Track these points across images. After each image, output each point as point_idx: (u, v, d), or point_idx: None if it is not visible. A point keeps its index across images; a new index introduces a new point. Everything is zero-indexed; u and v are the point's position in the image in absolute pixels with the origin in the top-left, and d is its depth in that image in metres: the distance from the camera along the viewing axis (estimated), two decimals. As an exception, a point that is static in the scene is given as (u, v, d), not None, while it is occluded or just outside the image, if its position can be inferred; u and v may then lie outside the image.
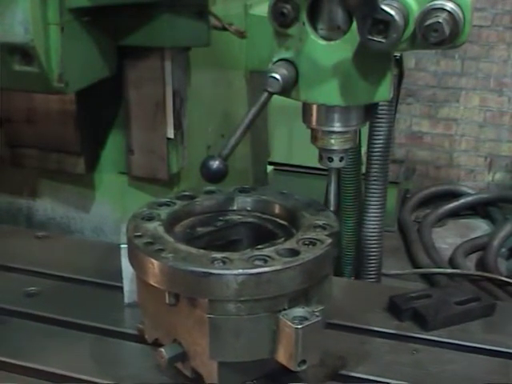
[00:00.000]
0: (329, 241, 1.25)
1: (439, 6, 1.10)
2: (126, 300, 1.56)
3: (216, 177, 1.22)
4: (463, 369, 1.37)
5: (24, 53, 1.53)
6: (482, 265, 3.97)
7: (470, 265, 3.99)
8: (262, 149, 2.53)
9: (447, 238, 4.39)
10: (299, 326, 1.15)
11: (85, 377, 1.32)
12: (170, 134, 1.89)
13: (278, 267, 1.17)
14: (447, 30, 1.08)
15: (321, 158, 1.34)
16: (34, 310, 1.55)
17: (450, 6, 1.09)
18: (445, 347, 1.44)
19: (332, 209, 1.39)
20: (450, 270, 3.80)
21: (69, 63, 1.59)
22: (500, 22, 4.89)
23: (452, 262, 4.00)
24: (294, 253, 1.21)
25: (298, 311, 1.19)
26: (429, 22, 1.09)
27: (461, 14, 1.10)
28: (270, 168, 2.86)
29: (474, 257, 4.14)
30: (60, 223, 2.13)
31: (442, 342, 1.46)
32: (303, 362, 1.18)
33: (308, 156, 1.64)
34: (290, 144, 3.94)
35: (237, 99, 2.19)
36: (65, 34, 1.56)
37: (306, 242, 1.25)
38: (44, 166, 2.04)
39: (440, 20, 1.08)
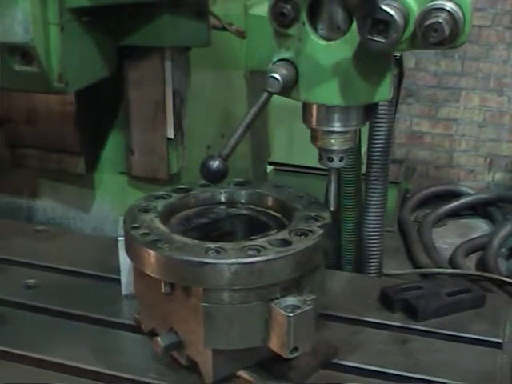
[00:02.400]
0: (320, 232, 1.28)
1: (439, 6, 1.10)
2: (124, 291, 1.59)
3: (216, 177, 1.22)
4: (453, 358, 1.40)
5: (24, 53, 1.53)
6: (482, 265, 3.96)
7: (470, 265, 3.99)
8: (262, 149, 2.53)
9: (447, 238, 4.39)
10: (291, 314, 1.18)
11: (83, 365, 1.35)
12: (170, 134, 1.89)
13: (271, 257, 1.20)
14: (447, 30, 1.08)
15: (321, 158, 1.34)
16: (33, 301, 1.58)
17: (450, 5, 1.09)
18: (435, 337, 1.47)
19: (332, 209, 1.39)
20: (450, 270, 3.79)
21: (69, 63, 1.59)
22: (500, 21, 4.88)
23: (452, 262, 3.99)
24: (286, 243, 1.24)
25: (290, 300, 1.22)
26: (429, 22, 1.09)
27: (461, 14, 1.10)
28: (270, 168, 2.86)
29: (474, 257, 4.13)
30: (60, 223, 2.12)
31: (432, 332, 1.49)
32: (295, 349, 1.20)
33: (308, 156, 1.64)
34: (290, 144, 3.94)
35: (237, 99, 2.19)
36: (65, 34, 1.56)
37: (298, 233, 1.28)
38: (44, 165, 2.05)
39: (440, 20, 1.08)
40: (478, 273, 3.80)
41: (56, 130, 1.97)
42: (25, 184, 2.15)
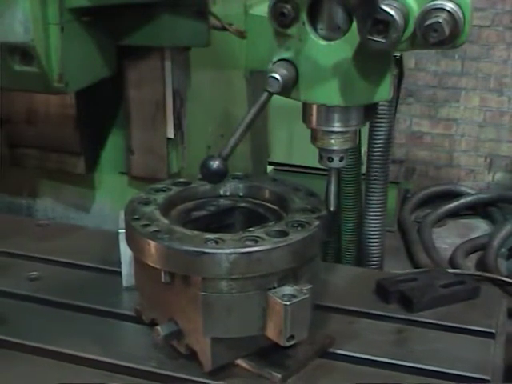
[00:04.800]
0: (317, 223, 1.31)
1: (439, 6, 1.10)
2: (125, 283, 1.61)
3: (216, 177, 1.23)
4: (447, 347, 1.42)
5: (24, 53, 1.53)
6: (482, 265, 3.96)
7: (470, 265, 3.98)
8: (262, 149, 2.52)
9: (447, 238, 4.38)
10: (288, 303, 1.20)
11: (85, 354, 1.38)
12: (170, 133, 1.89)
13: (268, 247, 1.22)
14: (447, 30, 1.08)
15: (321, 158, 1.35)
16: (36, 293, 1.61)
17: (450, 5, 1.09)
18: (430, 327, 1.49)
19: (332, 209, 1.39)
20: (450, 270, 3.79)
21: (69, 63, 1.59)
22: (500, 21, 4.88)
23: (452, 262, 3.99)
24: (283, 234, 1.27)
25: (287, 289, 1.24)
26: (429, 22, 1.09)
27: (461, 14, 1.10)
28: (270, 168, 2.86)
29: (474, 257, 4.13)
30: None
31: (426, 322, 1.51)
32: (292, 337, 1.23)
33: (308, 156, 1.65)
34: (290, 144, 3.94)
35: (237, 99, 2.19)
36: (65, 34, 1.56)
37: (295, 225, 1.30)
38: (44, 166, 2.05)
39: (440, 20, 1.08)
40: (478, 273, 3.79)
41: (56, 130, 1.97)
42: (25, 184, 2.15)
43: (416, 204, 4.76)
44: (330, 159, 1.33)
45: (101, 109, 1.96)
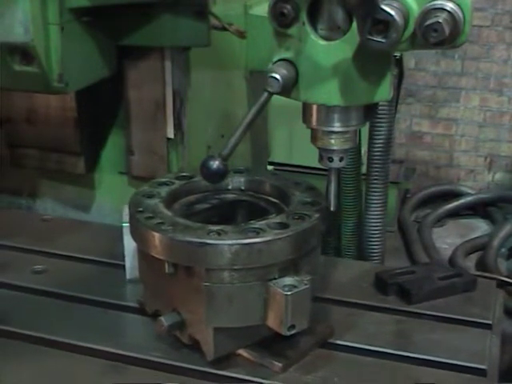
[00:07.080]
0: (316, 215, 1.34)
1: (439, 6, 1.10)
2: (128, 276, 1.64)
3: (216, 177, 1.24)
4: (444, 338, 1.45)
5: (24, 53, 1.54)
6: (482, 265, 3.96)
7: (470, 265, 3.98)
8: (262, 149, 2.52)
9: (447, 238, 4.38)
10: (288, 293, 1.23)
11: (90, 345, 1.40)
12: (170, 133, 1.89)
13: (269, 238, 1.25)
14: (447, 30, 1.08)
15: (321, 158, 1.35)
16: (41, 286, 1.63)
17: (450, 5, 1.10)
18: (427, 319, 1.52)
19: (332, 209, 1.40)
20: (450, 270, 3.79)
21: (69, 63, 1.59)
22: (500, 22, 4.88)
23: (452, 262, 3.99)
24: (284, 226, 1.29)
25: (288, 280, 1.27)
26: (429, 22, 1.09)
27: (461, 14, 1.10)
28: (270, 168, 2.86)
29: (474, 257, 4.13)
30: (60, 223, 2.12)
31: (424, 314, 1.54)
32: (292, 326, 1.26)
33: (308, 156, 1.65)
34: (290, 144, 3.94)
35: (237, 99, 2.19)
36: (65, 34, 1.56)
37: (296, 217, 1.33)
38: (44, 166, 2.05)
39: (440, 20, 1.08)
40: (478, 273, 3.79)
41: (56, 130, 1.97)
42: (25, 184, 2.15)
43: (416, 204, 4.75)
44: (330, 159, 1.33)
45: (101, 109, 1.97)
